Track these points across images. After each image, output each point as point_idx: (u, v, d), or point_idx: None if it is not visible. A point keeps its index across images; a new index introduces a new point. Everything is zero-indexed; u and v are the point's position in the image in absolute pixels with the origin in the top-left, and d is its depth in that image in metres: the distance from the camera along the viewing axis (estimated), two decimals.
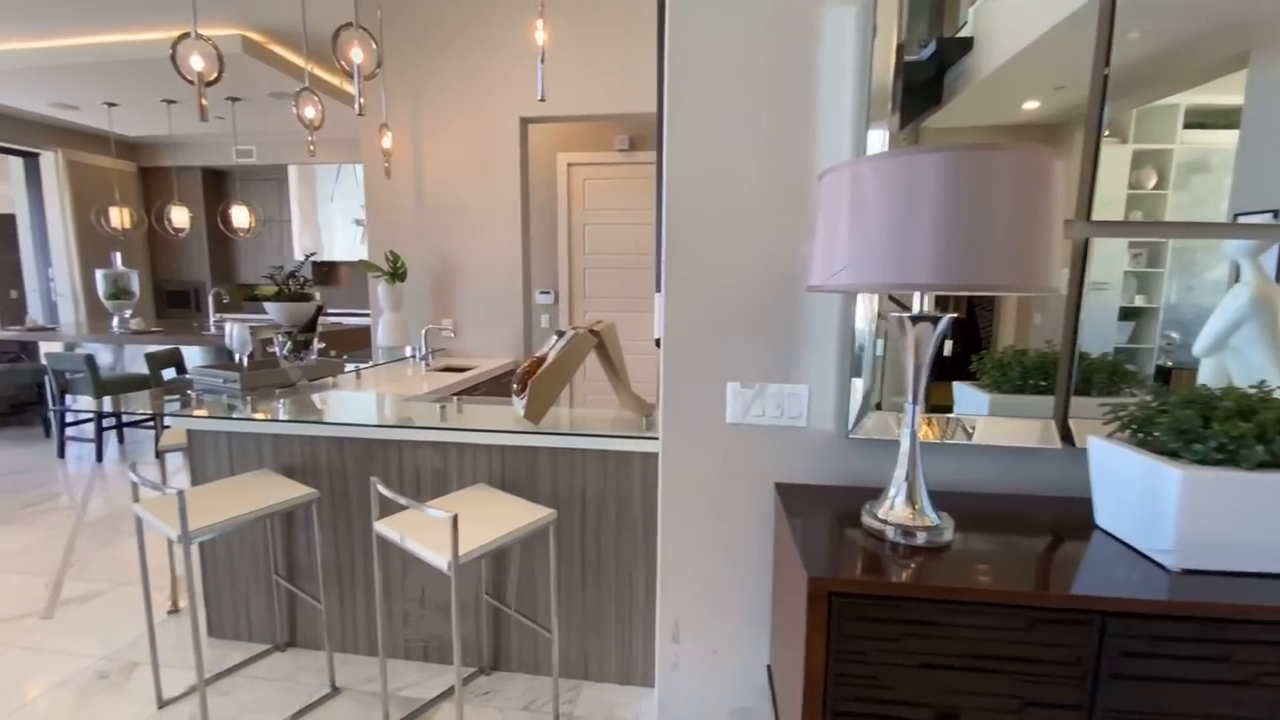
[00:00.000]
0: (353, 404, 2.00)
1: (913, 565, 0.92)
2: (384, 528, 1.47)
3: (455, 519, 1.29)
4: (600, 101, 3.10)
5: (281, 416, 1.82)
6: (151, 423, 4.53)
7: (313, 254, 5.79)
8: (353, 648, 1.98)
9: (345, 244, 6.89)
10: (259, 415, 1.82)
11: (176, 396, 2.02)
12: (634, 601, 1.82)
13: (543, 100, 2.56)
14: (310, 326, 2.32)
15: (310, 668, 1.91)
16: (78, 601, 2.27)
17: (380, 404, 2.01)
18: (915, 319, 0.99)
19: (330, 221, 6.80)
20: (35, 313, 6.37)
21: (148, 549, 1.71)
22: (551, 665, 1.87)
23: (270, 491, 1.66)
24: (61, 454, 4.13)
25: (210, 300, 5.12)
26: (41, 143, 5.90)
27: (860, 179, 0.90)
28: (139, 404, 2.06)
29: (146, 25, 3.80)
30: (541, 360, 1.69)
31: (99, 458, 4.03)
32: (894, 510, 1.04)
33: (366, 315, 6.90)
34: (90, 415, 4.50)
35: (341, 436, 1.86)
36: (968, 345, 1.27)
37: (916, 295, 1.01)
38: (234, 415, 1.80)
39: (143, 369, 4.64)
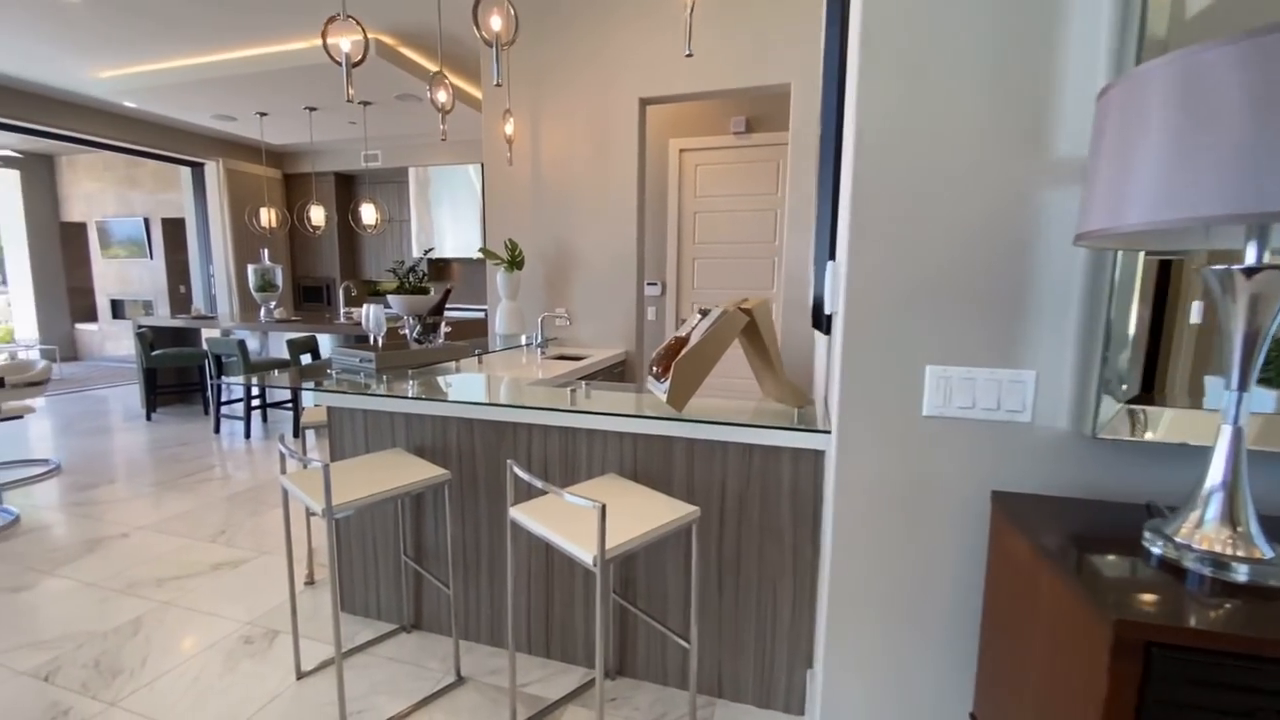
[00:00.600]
0: (479, 386, 1.96)
1: (1257, 611, 0.65)
2: (523, 515, 1.37)
3: (604, 509, 1.15)
4: (726, 75, 2.92)
5: (413, 396, 1.79)
6: (291, 404, 4.90)
7: (431, 249, 6.06)
8: (475, 635, 1.93)
9: (455, 242, 7.16)
10: (392, 394, 1.81)
11: (317, 376, 2.07)
12: (777, 616, 1.62)
13: (690, 55, 2.43)
14: (438, 310, 2.32)
15: (435, 653, 1.87)
16: (228, 567, 2.41)
17: (506, 386, 1.95)
18: (1251, 270, 0.72)
19: (443, 221, 7.10)
20: (199, 303, 7.17)
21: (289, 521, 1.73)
22: (685, 677, 1.71)
23: (405, 471, 1.62)
24: (217, 429, 4.55)
25: (340, 294, 5.47)
26: (205, 153, 6.61)
27: (1198, 75, 0.65)
28: (286, 382, 2.14)
29: (292, 36, 4.09)
30: (683, 341, 1.53)
31: (247, 434, 4.40)
32: (1201, 531, 0.77)
33: (477, 309, 7.15)
34: (241, 396, 4.94)
35: (471, 418, 1.80)
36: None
37: (1250, 245, 0.74)
38: (370, 393, 1.79)
39: (284, 353, 5.05)
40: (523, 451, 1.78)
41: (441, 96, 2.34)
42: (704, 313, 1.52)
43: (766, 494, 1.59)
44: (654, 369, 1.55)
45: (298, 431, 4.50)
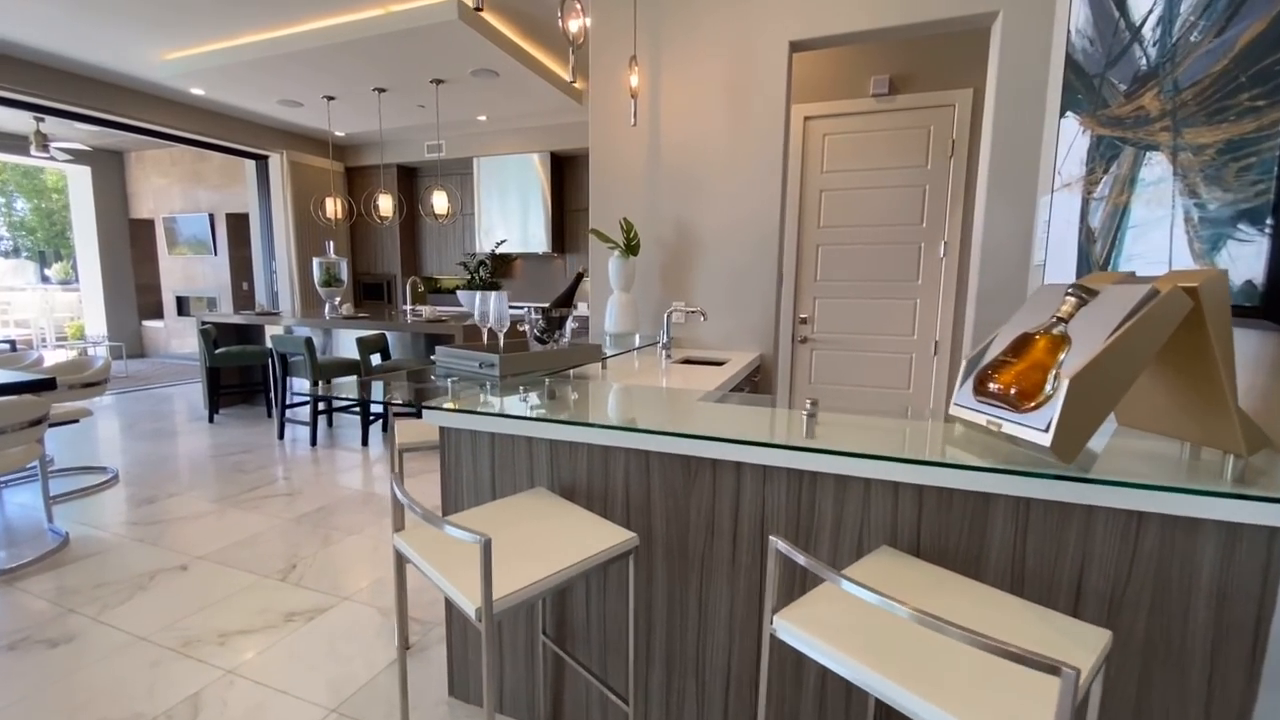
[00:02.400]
0: (639, 402, 1.41)
1: None
2: (796, 628, 0.81)
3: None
4: (908, 4, 2.30)
5: (565, 417, 1.26)
6: (359, 408, 4.51)
7: (503, 241, 5.62)
8: None
9: (519, 236, 6.72)
10: (555, 418, 1.28)
11: (421, 383, 1.57)
12: None
13: None
14: (567, 300, 1.80)
15: None
16: (302, 618, 1.94)
17: (673, 404, 1.39)
18: None
19: (506, 214, 6.66)
20: (262, 300, 6.95)
21: (362, 546, 1.22)
22: None
23: (571, 529, 1.09)
24: (281, 435, 4.19)
25: (406, 289, 5.08)
26: (270, 145, 6.36)
27: None
28: (394, 392, 1.64)
29: (365, 2, 3.67)
30: (1033, 340, 0.93)
31: (313, 441, 4.01)
32: None
33: (542, 307, 6.68)
34: (307, 398, 4.58)
35: (647, 449, 1.25)
36: None
37: None
38: (509, 414, 1.26)
39: (351, 352, 4.67)
40: (728, 501, 1.22)
41: (574, 26, 1.81)
42: (1081, 293, 0.92)
43: (1164, 593, 0.97)
44: (986, 385, 0.96)
45: (366, 438, 4.10)
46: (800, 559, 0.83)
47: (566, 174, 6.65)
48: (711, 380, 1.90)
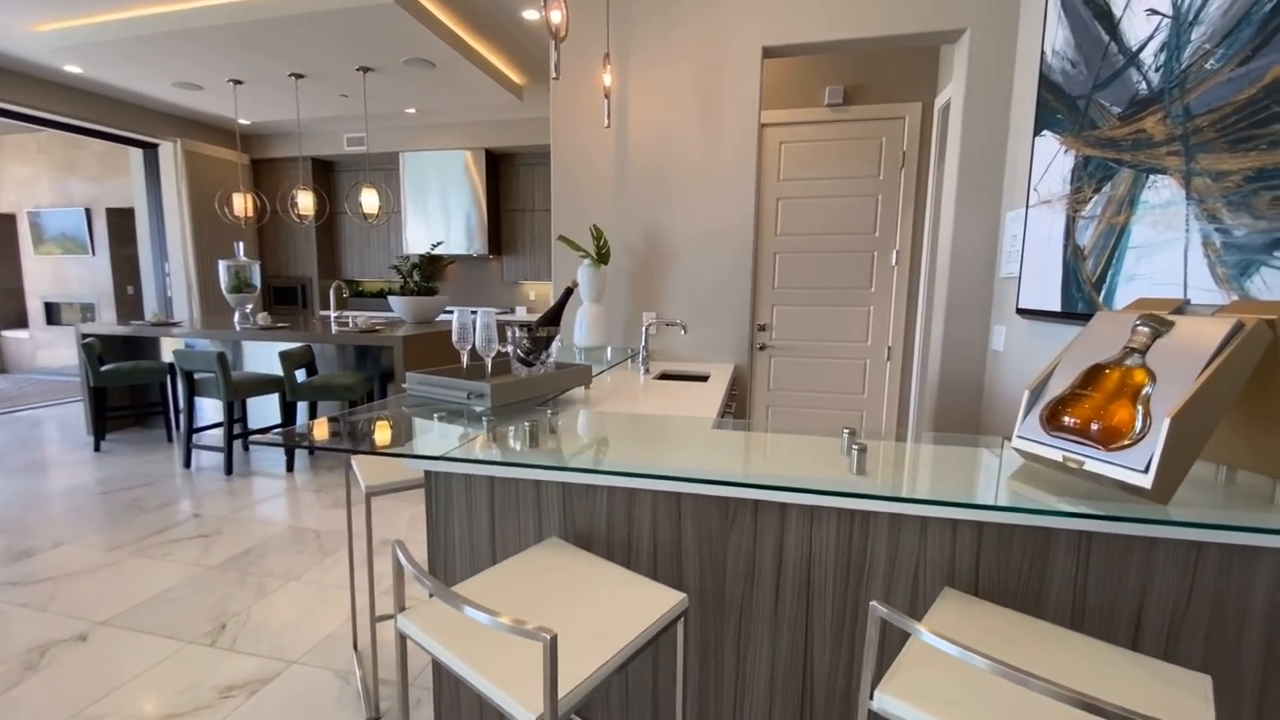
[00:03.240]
0: (654, 434, 1.28)
1: None
2: (903, 702, 0.72)
3: None
4: (880, 17, 2.30)
5: (574, 460, 1.11)
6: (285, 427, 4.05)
7: (440, 243, 5.28)
8: None
9: (454, 238, 6.37)
10: (541, 457, 1.12)
11: (387, 415, 1.36)
12: None
13: None
14: (554, 317, 1.63)
15: None
16: (242, 693, 1.66)
17: (697, 437, 1.28)
18: None
19: (438, 213, 6.30)
20: (154, 307, 6.16)
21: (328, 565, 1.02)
22: None
23: (614, 594, 0.94)
24: (187, 463, 3.69)
25: (331, 294, 4.65)
26: (161, 132, 5.64)
27: None
28: (375, 427, 1.41)
29: None
30: (1099, 375, 0.90)
31: (229, 469, 3.55)
32: None
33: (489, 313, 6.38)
34: (221, 420, 4.08)
35: (679, 491, 1.13)
36: None
37: None
38: (516, 462, 1.09)
39: (265, 366, 4.20)
40: (770, 545, 1.12)
41: (556, 17, 1.64)
42: (1155, 325, 0.89)
43: (1219, 621, 0.97)
44: (1060, 419, 0.92)
45: (291, 463, 3.69)
46: (908, 624, 0.74)
47: (503, 173, 6.37)
48: (702, 399, 1.80)
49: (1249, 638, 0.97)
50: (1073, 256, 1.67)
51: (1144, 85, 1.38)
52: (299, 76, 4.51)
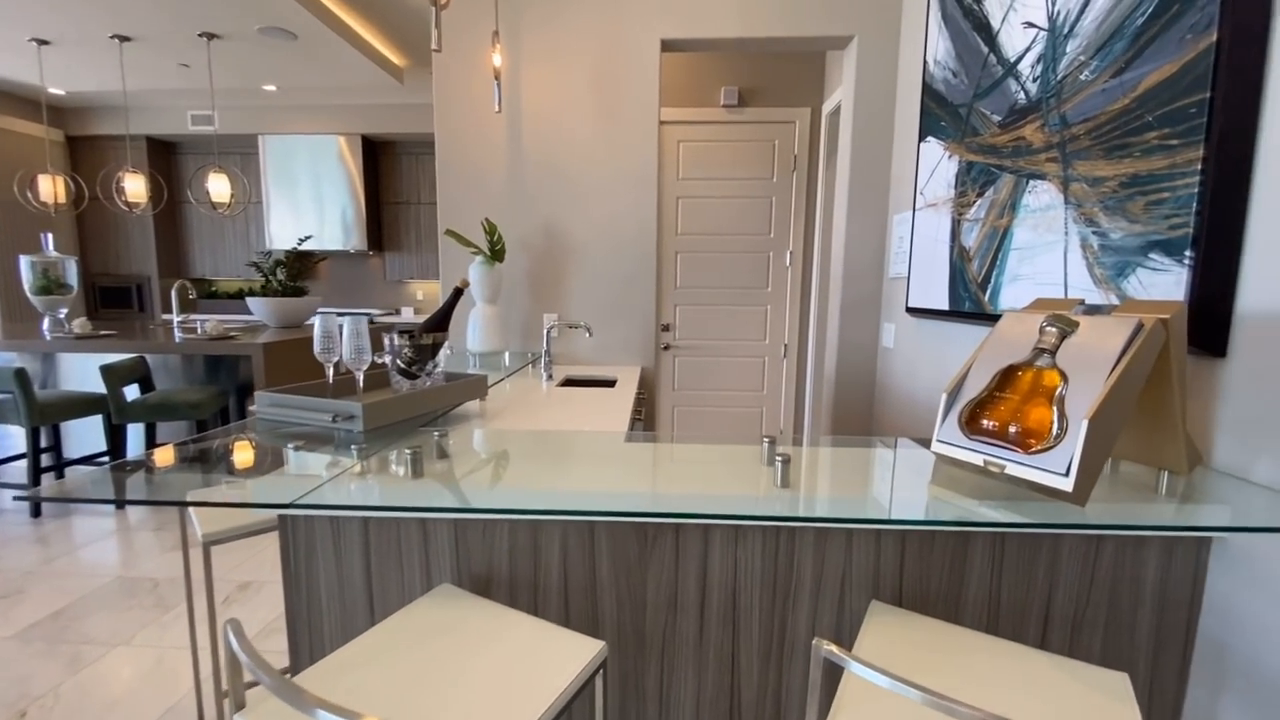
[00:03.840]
0: (558, 452, 1.14)
1: None
2: None
3: None
4: (776, 18, 2.31)
5: (468, 493, 0.94)
6: (107, 458, 3.40)
7: (308, 237, 4.74)
8: None
9: (325, 233, 5.79)
10: (426, 493, 0.94)
11: (227, 442, 1.11)
12: None
13: None
14: (442, 322, 1.43)
15: None
16: None
17: (608, 453, 1.16)
18: None
19: (305, 205, 5.69)
20: None
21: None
22: None
23: (521, 651, 0.80)
24: None
25: (175, 295, 4.00)
26: None
27: None
28: (209, 491, 1.12)
29: None
30: (1013, 377, 0.89)
31: (35, 511, 2.91)
32: None
33: (358, 314, 5.87)
34: (23, 451, 3.36)
35: (593, 520, 1.00)
36: None
37: None
38: (391, 505, 0.90)
39: (86, 383, 3.51)
40: (693, 569, 1.02)
41: None
42: (1061, 325, 0.90)
43: (1115, 609, 1.01)
44: (979, 423, 0.90)
45: (39, 509, 3.10)
46: (845, 661, 0.66)
47: (384, 162, 5.86)
48: (610, 407, 1.69)
49: (1140, 624, 1.01)
50: (959, 257, 1.74)
51: (1022, 95, 1.45)
52: (124, 39, 3.82)
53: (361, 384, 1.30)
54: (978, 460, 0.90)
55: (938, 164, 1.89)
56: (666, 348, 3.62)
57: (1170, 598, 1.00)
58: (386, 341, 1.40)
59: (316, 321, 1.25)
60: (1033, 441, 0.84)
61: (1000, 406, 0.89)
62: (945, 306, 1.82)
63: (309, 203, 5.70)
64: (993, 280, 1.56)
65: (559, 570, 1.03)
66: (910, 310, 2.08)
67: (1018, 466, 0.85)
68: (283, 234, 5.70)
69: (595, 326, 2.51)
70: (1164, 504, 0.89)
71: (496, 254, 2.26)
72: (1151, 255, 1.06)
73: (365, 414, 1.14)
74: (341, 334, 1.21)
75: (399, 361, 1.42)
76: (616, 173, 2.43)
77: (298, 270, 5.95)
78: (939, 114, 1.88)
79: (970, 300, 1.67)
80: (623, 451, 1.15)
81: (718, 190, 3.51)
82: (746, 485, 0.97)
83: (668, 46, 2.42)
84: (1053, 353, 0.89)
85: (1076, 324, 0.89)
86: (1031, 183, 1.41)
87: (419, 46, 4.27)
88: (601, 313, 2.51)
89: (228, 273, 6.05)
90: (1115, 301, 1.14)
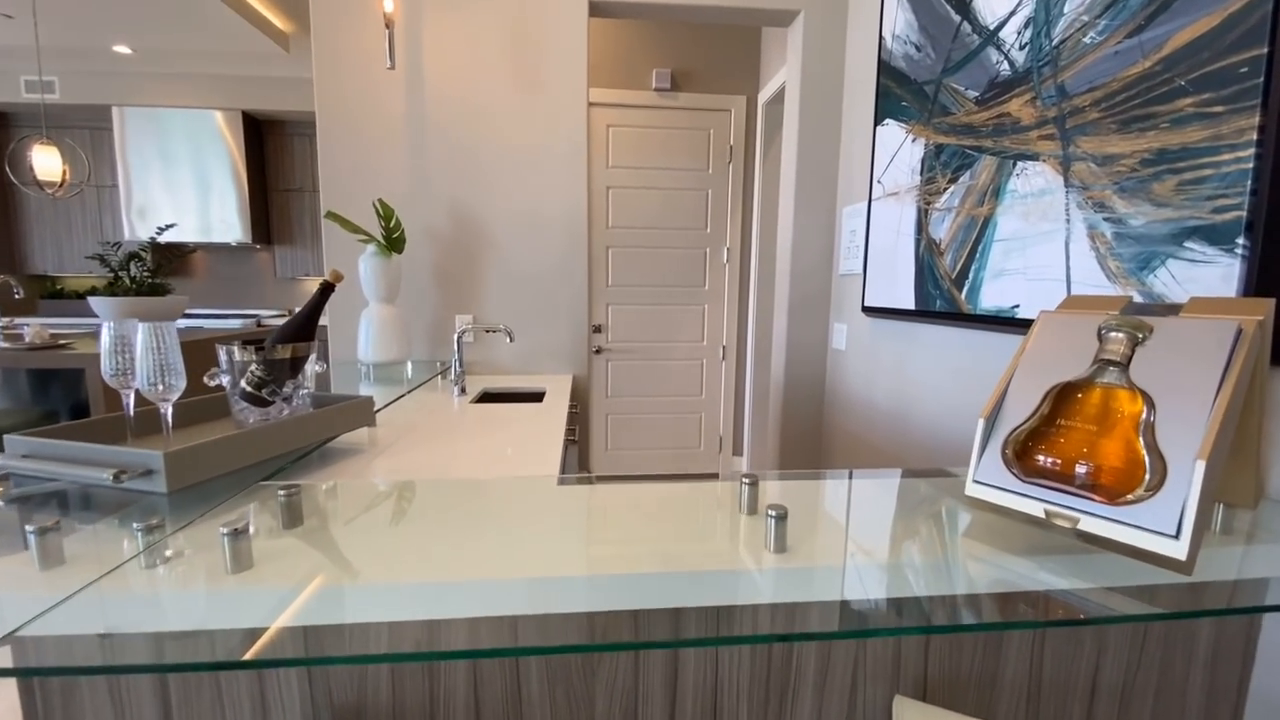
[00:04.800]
0: (459, 525, 0.82)
1: None
2: None
3: None
4: None
5: (314, 612, 0.61)
6: None
7: (170, 225, 4.04)
8: None
9: (198, 222, 5.05)
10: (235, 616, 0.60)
11: None
12: None
13: None
14: (306, 327, 1.06)
15: None
16: None
17: (532, 519, 0.85)
18: None
19: (173, 189, 4.94)
20: None
21: None
22: None
23: None
24: None
25: None
26: None
27: None
28: None
29: None
30: (1073, 398, 0.68)
31: None
32: None
33: (238, 315, 5.15)
34: None
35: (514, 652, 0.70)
36: None
37: None
38: (152, 665, 0.56)
39: None
40: (659, 677, 0.74)
41: None
42: (1132, 330, 0.69)
43: (1169, 670, 0.83)
44: (1034, 460, 0.67)
45: None
46: None
47: (271, 143, 5.17)
48: (538, 428, 1.38)
49: (1192, 685, 0.84)
50: (927, 251, 1.57)
51: (1006, 66, 1.28)
52: None
53: (170, 419, 0.91)
54: (1034, 510, 0.68)
55: (899, 149, 1.72)
56: (599, 351, 3.33)
57: (1223, 650, 0.84)
58: (223, 357, 1.02)
59: (104, 331, 0.86)
60: (1115, 486, 0.62)
61: (1062, 438, 0.67)
62: (911, 305, 1.64)
63: (179, 187, 4.93)
64: (971, 276, 1.39)
65: (466, 708, 0.71)
66: (867, 310, 1.91)
67: (1100, 522, 0.63)
68: (145, 223, 4.88)
69: (518, 330, 2.18)
70: (1232, 549, 0.71)
71: (393, 243, 1.87)
72: (1188, 244, 0.90)
73: (169, 467, 0.77)
74: (136, 348, 0.82)
75: (245, 385, 1.04)
76: (540, 152, 2.11)
77: (164, 265, 5.14)
78: (899, 94, 1.71)
79: (942, 298, 1.50)
80: (555, 504, 0.84)
81: (651, 180, 3.25)
82: (727, 552, 0.69)
83: (596, 10, 2.12)
84: (1123, 365, 0.68)
85: (1149, 328, 0.69)
86: (1020, 165, 1.24)
87: (305, 7, 3.72)
88: (526, 314, 2.18)
89: (82, 266, 5.13)
90: (1139, 299, 0.97)
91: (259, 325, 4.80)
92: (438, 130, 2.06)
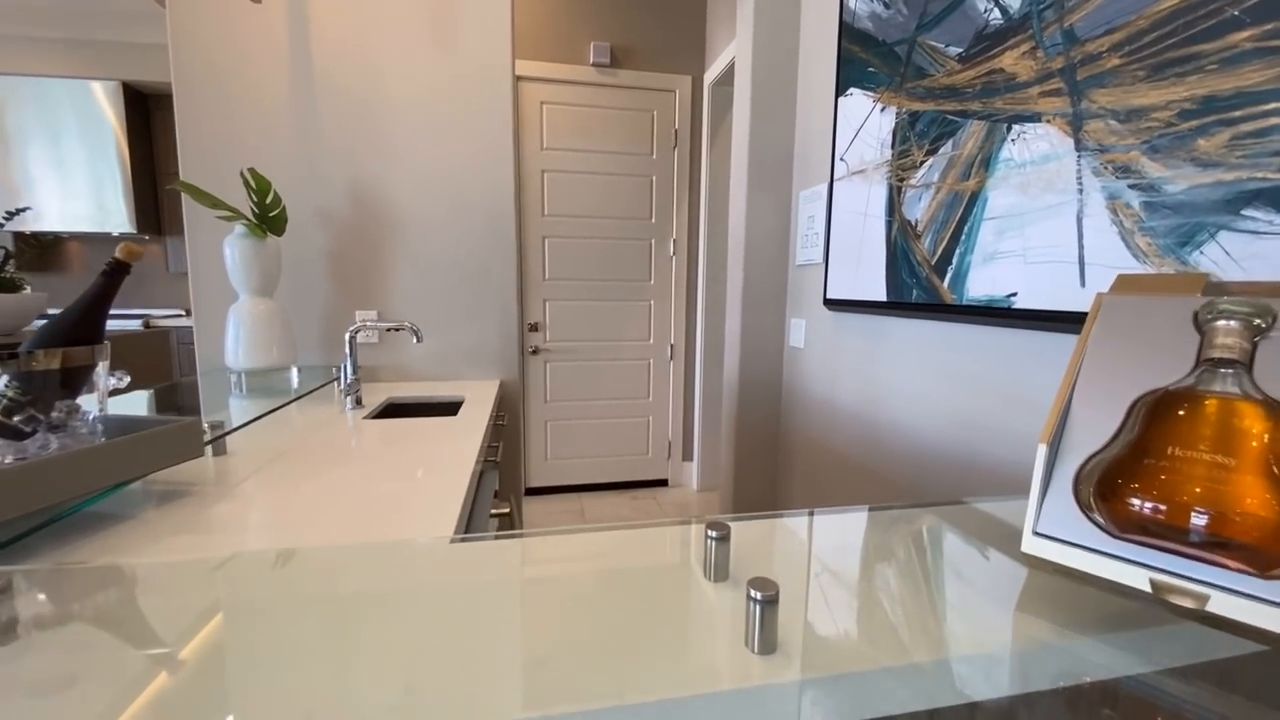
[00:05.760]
0: (306, 614, 0.54)
1: None
2: None
3: None
4: None
5: None
6: None
7: (23, 209, 3.46)
8: None
9: (68, 207, 4.42)
10: None
11: None
12: None
13: None
14: (82, 329, 0.74)
15: None
16: None
17: (408, 608, 0.58)
18: None
19: (42, 170, 4.30)
20: None
21: None
22: None
23: None
24: None
25: None
26: None
27: None
28: None
29: None
30: (1173, 413, 0.48)
31: None
32: None
33: (130, 315, 4.54)
34: None
35: None
36: None
37: None
38: None
39: None
40: None
41: None
42: (1248, 316, 0.49)
43: None
44: (1129, 509, 0.46)
45: None
46: None
47: (158, 121, 4.57)
48: (444, 451, 1.10)
49: None
50: (901, 234, 1.38)
51: (997, 13, 1.10)
52: None
53: None
54: (1135, 579, 0.47)
55: (865, 120, 1.53)
56: (535, 351, 3.04)
57: None
58: None
59: None
60: (1261, 545, 0.42)
61: (1164, 473, 0.46)
62: (882, 297, 1.46)
63: (51, 168, 4.28)
64: (955, 261, 1.21)
65: None
66: (830, 303, 1.72)
67: (1243, 602, 0.42)
68: (5, 203, 4.19)
69: (435, 328, 1.87)
70: None
71: (270, 222, 1.53)
72: (1248, 212, 0.72)
73: None
74: None
75: None
76: (458, 121, 1.81)
77: (26, 255, 4.50)
78: (865, 58, 1.52)
79: (920, 288, 1.32)
80: (445, 583, 0.57)
81: (590, 164, 2.99)
82: (695, 663, 0.45)
83: None
84: (1245, 366, 0.48)
85: (1274, 314, 0.49)
86: (1016, 128, 1.06)
87: None
88: (444, 309, 1.87)
89: None
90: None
91: (146, 326, 4.22)
92: (330, 90, 1.72)
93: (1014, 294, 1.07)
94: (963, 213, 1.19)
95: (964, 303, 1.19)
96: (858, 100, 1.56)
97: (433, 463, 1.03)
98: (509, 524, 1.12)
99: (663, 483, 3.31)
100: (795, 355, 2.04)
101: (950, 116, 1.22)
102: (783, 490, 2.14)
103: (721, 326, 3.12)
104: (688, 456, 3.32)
